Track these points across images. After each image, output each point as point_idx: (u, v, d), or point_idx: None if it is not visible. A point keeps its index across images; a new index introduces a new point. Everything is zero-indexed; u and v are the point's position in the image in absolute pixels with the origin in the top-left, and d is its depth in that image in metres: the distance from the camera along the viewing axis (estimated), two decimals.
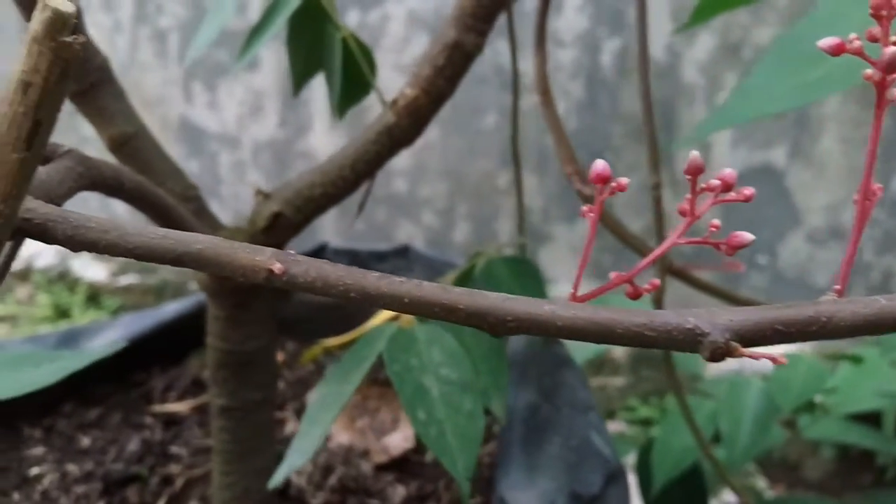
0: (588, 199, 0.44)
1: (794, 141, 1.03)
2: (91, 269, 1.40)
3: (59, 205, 0.24)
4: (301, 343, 0.67)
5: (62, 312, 1.37)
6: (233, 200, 1.27)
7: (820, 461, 1.12)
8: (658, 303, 0.44)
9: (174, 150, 1.30)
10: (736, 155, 1.05)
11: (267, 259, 0.19)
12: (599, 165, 0.19)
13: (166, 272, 1.37)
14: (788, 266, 1.08)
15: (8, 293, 1.46)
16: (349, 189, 0.43)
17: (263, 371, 0.45)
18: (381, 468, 0.53)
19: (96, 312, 1.34)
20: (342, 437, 0.56)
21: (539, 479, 0.42)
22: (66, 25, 0.17)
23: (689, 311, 0.17)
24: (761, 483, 1.09)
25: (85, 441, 0.56)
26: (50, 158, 0.27)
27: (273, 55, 1.19)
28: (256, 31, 0.44)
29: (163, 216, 0.34)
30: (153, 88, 1.26)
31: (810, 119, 1.02)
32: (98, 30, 1.27)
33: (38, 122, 0.18)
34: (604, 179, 0.19)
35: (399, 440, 0.55)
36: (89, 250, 0.20)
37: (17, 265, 1.30)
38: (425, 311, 0.18)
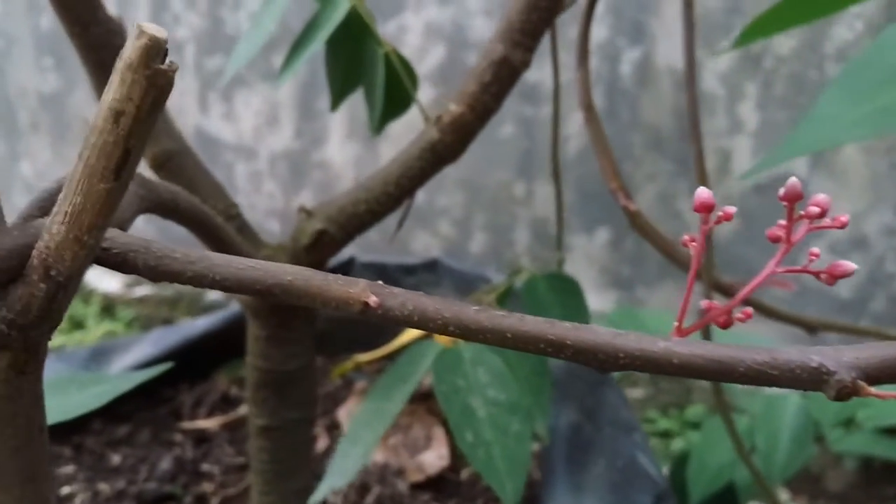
0: (632, 216, 0.43)
1: (815, 151, 1.03)
2: (105, 280, 1.40)
3: (124, 230, 0.23)
4: (328, 358, 0.67)
5: (77, 324, 1.37)
6: (249, 211, 1.26)
7: (843, 473, 1.11)
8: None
9: None
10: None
11: (361, 291, 0.18)
12: (704, 194, 0.18)
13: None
14: (810, 276, 1.07)
15: None
16: (393, 205, 0.42)
17: (303, 390, 0.45)
18: (416, 487, 0.52)
19: (111, 324, 1.34)
20: (376, 455, 0.55)
21: (586, 501, 0.41)
22: (161, 52, 0.17)
23: (812, 348, 0.16)
24: (784, 495, 1.08)
25: (115, 459, 0.55)
26: None
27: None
28: (297, 48, 0.44)
29: (212, 236, 0.34)
30: (169, 99, 1.26)
31: None
32: None
33: (128, 151, 0.18)
34: (708, 208, 0.18)
35: (434, 458, 0.54)
36: (172, 281, 0.20)
37: None
38: (529, 346, 0.17)
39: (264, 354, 0.43)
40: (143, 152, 0.18)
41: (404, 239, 1.24)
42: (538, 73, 1.09)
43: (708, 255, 0.42)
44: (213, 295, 1.34)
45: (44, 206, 0.24)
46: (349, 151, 1.21)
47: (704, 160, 0.42)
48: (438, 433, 0.56)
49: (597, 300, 1.17)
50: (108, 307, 1.37)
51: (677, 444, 1.06)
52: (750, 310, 0.20)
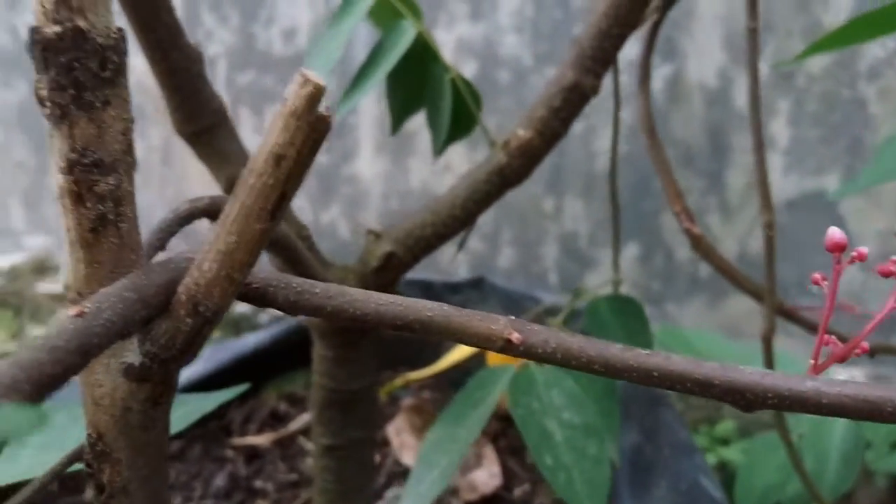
0: (696, 239, 0.43)
1: (846, 167, 1.03)
2: None
3: None
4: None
5: None
6: None
7: (874, 490, 1.10)
8: (767, 343, 0.43)
9: None
10: (788, 181, 1.05)
11: (503, 328, 0.18)
12: (836, 234, 0.19)
13: None
14: (842, 293, 1.07)
15: (50, 316, 1.47)
16: (459, 228, 0.43)
17: (367, 409, 0.45)
18: None
19: None
20: None
21: None
22: (321, 99, 0.18)
23: None
24: None
25: (169, 475, 0.56)
26: (218, 211, 0.27)
27: None
28: (363, 74, 0.44)
29: (291, 258, 0.34)
30: None
31: (863, 145, 1.01)
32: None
33: (285, 193, 0.18)
34: (840, 248, 0.19)
35: (486, 477, 0.54)
36: (312, 315, 0.20)
37: (59, 288, 1.30)
38: (676, 385, 0.17)
39: (330, 374, 0.44)
40: (295, 193, 0.19)
41: (432, 253, 1.24)
42: None
43: (770, 280, 0.42)
44: (241, 308, 1.35)
45: (163, 237, 0.24)
46: (378, 166, 1.22)
47: (770, 198, 0.42)
48: (489, 452, 0.56)
49: None
50: None
51: (709, 461, 1.06)
52: (867, 345, 0.21)
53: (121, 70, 0.18)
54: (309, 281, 0.20)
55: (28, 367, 0.15)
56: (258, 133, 1.25)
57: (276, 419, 0.61)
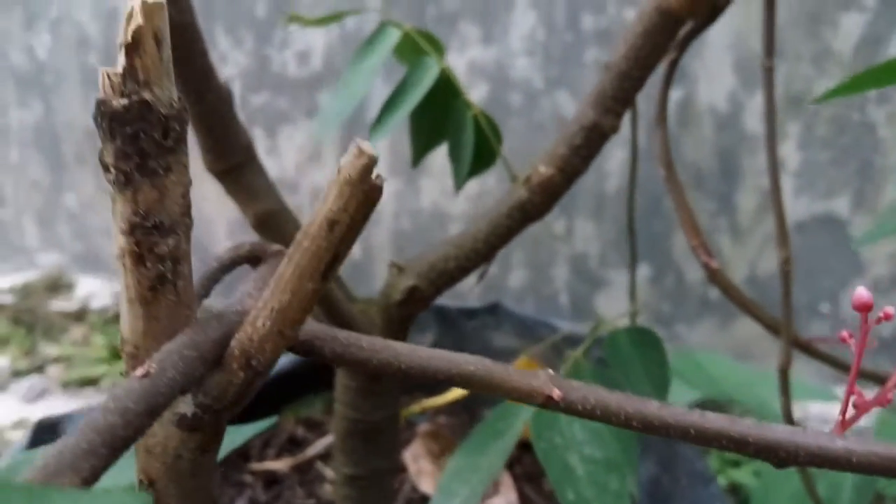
0: (713, 273, 0.44)
1: (857, 191, 1.03)
2: None
3: None
4: None
5: (117, 353, 1.38)
6: None
7: None
8: (784, 375, 0.44)
9: None
10: (798, 204, 1.05)
11: (543, 384, 0.19)
12: (863, 294, 0.19)
13: None
14: (852, 315, 1.07)
15: (63, 334, 1.49)
16: (481, 261, 0.44)
17: (389, 440, 0.46)
18: None
19: None
20: None
21: None
22: (374, 169, 0.18)
23: None
24: None
25: None
26: (261, 258, 0.28)
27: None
28: (388, 109, 0.45)
29: (324, 299, 0.35)
30: None
31: (874, 169, 1.02)
32: None
33: (337, 255, 0.19)
34: (867, 308, 0.20)
35: None
36: (358, 368, 0.21)
37: (72, 306, 1.31)
38: (712, 442, 0.18)
39: (353, 404, 0.44)
40: (347, 255, 0.19)
41: None
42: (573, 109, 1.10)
43: (787, 313, 0.43)
44: None
45: (208, 285, 0.25)
46: (390, 186, 1.23)
47: (787, 233, 0.43)
48: (505, 478, 0.56)
49: None
50: None
51: (720, 483, 1.06)
52: (892, 396, 0.21)
53: (182, 138, 0.19)
54: (354, 334, 0.21)
55: (104, 432, 0.15)
56: (271, 154, 1.26)
57: (295, 444, 0.62)
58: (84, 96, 1.39)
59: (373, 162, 0.18)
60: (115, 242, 0.20)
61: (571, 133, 0.40)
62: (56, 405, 1.37)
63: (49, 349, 1.48)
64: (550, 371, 0.20)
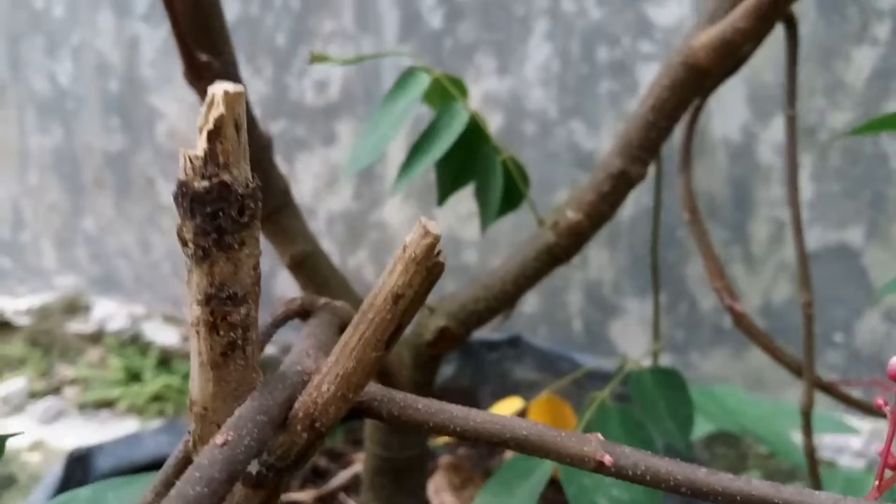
0: (738, 317, 0.45)
1: (870, 221, 1.04)
2: (162, 333, 1.43)
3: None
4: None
5: (134, 376, 1.40)
6: None
7: None
8: (807, 417, 0.45)
9: None
10: (811, 234, 1.06)
11: (594, 450, 0.20)
12: None
13: None
14: (865, 344, 1.08)
15: (79, 356, 1.50)
16: (509, 302, 0.45)
17: (417, 477, 0.47)
18: None
19: (168, 377, 1.37)
20: None
21: None
22: (438, 247, 0.20)
23: None
24: None
25: None
26: (310, 311, 0.29)
27: (350, 130, 1.24)
28: (416, 155, 0.47)
29: None
30: None
31: (887, 200, 1.03)
32: (181, 104, 1.33)
33: (400, 326, 0.20)
34: None
35: None
36: (414, 429, 0.22)
37: (88, 328, 1.32)
38: None
39: (383, 442, 0.45)
40: (409, 324, 0.21)
41: None
42: (594, 140, 1.12)
43: (809, 355, 0.44)
44: (269, 350, 1.36)
45: (263, 341, 0.27)
46: (406, 213, 1.25)
47: (809, 276, 0.43)
48: None
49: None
50: (165, 360, 1.41)
51: None
52: None
53: (255, 214, 0.20)
54: (411, 396, 0.22)
55: (194, 502, 0.16)
56: (289, 180, 1.28)
57: (318, 475, 0.63)
58: (104, 122, 1.41)
59: (437, 241, 0.19)
60: (189, 311, 0.21)
61: (599, 180, 0.41)
62: (72, 427, 1.38)
63: (65, 371, 1.49)
64: (600, 436, 0.21)
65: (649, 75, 1.07)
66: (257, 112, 1.27)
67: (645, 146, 0.40)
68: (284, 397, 0.21)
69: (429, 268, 0.19)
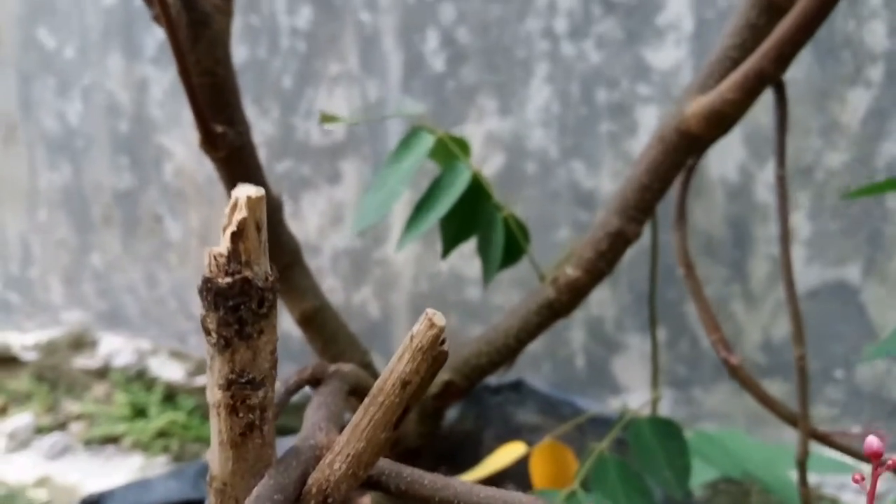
0: (733, 369, 0.46)
1: (868, 258, 1.06)
2: (168, 368, 1.44)
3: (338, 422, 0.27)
4: None
5: (139, 411, 1.41)
6: None
7: None
8: (802, 466, 0.46)
9: None
10: (810, 271, 1.07)
11: None
12: (874, 443, 0.22)
13: None
14: (865, 380, 1.09)
15: (86, 391, 1.51)
16: (511, 356, 0.46)
17: None
18: None
19: (173, 412, 1.38)
20: None
21: None
22: (442, 336, 0.21)
23: None
24: None
25: None
26: (321, 379, 0.31)
27: (354, 169, 1.26)
28: (421, 211, 0.48)
29: (359, 391, 0.38)
30: None
31: (884, 237, 1.04)
32: (188, 144, 1.36)
33: (407, 408, 0.22)
34: (878, 455, 0.22)
35: None
36: (421, 503, 0.23)
37: (94, 363, 1.34)
38: None
39: None
40: (414, 407, 0.22)
41: (459, 334, 1.28)
42: (594, 180, 1.14)
43: (804, 406, 0.45)
44: None
45: (277, 412, 0.28)
46: (410, 250, 1.27)
47: (802, 330, 0.45)
48: None
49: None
50: (171, 395, 1.42)
51: None
52: None
53: (274, 304, 0.22)
54: (417, 471, 0.23)
55: None
56: (294, 218, 1.30)
57: None
58: (112, 161, 1.44)
59: (442, 332, 0.21)
60: (210, 394, 0.23)
61: (597, 239, 0.43)
62: (78, 463, 1.39)
63: (71, 406, 1.50)
64: None
65: (647, 117, 1.09)
66: (263, 153, 1.29)
67: (640, 206, 0.42)
68: (298, 474, 0.23)
69: (434, 356, 0.21)
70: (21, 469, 1.37)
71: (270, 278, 0.21)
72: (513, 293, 1.23)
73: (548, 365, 1.18)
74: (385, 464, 0.24)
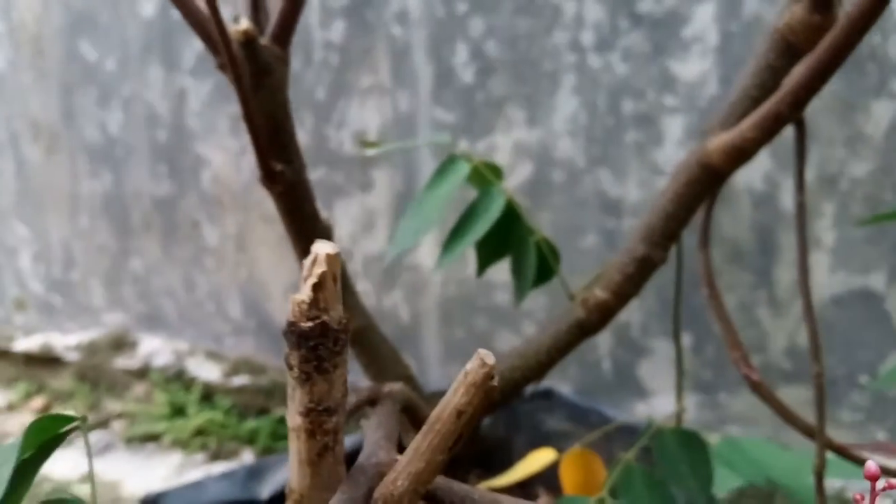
0: (754, 384, 0.49)
1: (893, 266, 1.07)
2: (205, 369, 1.49)
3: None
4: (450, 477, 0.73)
5: (178, 410, 1.46)
6: None
7: None
8: (819, 478, 0.48)
9: (291, 261, 1.40)
10: (834, 279, 1.09)
11: None
12: (872, 467, 0.25)
13: (276, 374, 1.45)
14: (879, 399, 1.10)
15: (126, 391, 1.57)
16: (543, 371, 0.49)
17: None
18: None
19: (210, 412, 1.42)
20: None
21: None
22: (493, 373, 0.24)
23: None
24: None
25: None
26: (376, 400, 0.34)
27: (385, 178, 1.29)
28: (457, 234, 0.52)
29: (413, 413, 0.41)
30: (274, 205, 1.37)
31: None
32: (225, 153, 1.40)
33: (461, 435, 0.25)
34: (875, 477, 0.25)
35: None
36: None
37: (135, 364, 1.39)
38: None
39: None
40: (468, 435, 0.25)
41: (487, 338, 1.31)
42: (620, 188, 1.16)
43: (821, 420, 0.48)
44: None
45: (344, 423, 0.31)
46: (439, 255, 1.30)
47: (820, 347, 0.47)
48: None
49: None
50: (208, 395, 1.47)
51: None
52: None
53: (346, 343, 0.25)
54: (466, 487, 0.27)
55: None
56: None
57: None
58: (152, 169, 1.49)
59: (493, 370, 0.24)
60: (290, 419, 0.26)
61: (625, 263, 0.46)
62: (120, 460, 1.44)
63: (113, 405, 1.56)
64: None
65: (673, 126, 1.11)
66: None
67: (665, 234, 0.45)
68: (366, 489, 0.26)
69: (486, 390, 0.24)
70: (66, 466, 1.42)
71: (343, 321, 0.25)
72: (540, 299, 1.26)
73: (575, 369, 1.21)
74: (439, 480, 0.27)
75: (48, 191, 1.64)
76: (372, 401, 0.33)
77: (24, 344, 1.69)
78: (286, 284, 1.42)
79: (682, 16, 1.07)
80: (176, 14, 1.40)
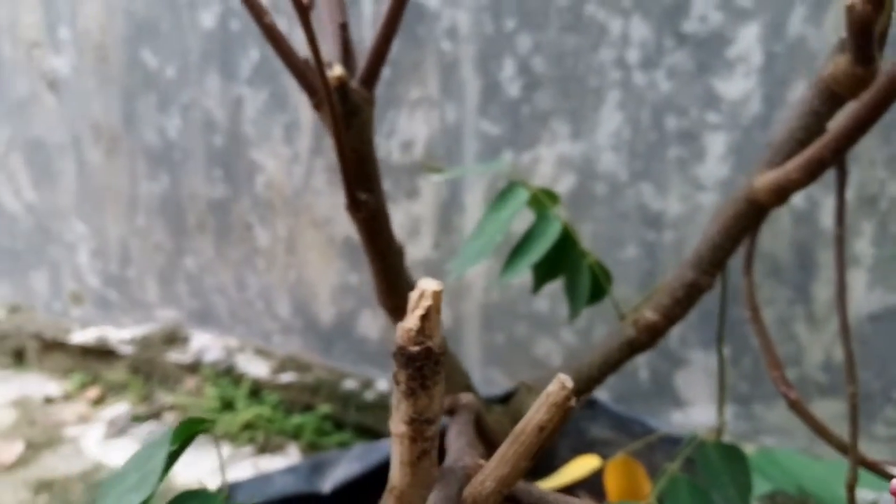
0: (793, 403, 0.53)
1: None
2: (253, 365, 1.55)
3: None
4: None
5: (227, 404, 1.52)
6: None
7: None
8: (851, 490, 0.52)
9: (337, 264, 1.45)
10: (872, 296, 1.11)
11: None
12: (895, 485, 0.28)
13: (321, 372, 1.51)
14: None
15: (178, 384, 1.64)
16: (593, 386, 0.53)
17: None
18: None
19: (259, 407, 1.49)
20: None
21: None
22: (571, 396, 0.29)
23: None
24: None
25: None
26: (454, 410, 0.38)
27: (431, 186, 1.34)
28: (517, 255, 0.56)
29: (478, 426, 0.45)
30: (323, 210, 1.43)
31: None
32: (278, 159, 1.46)
33: (542, 446, 0.29)
34: None
35: None
36: None
37: (186, 358, 1.45)
38: None
39: None
40: (548, 446, 0.30)
41: (527, 344, 1.35)
42: (661, 202, 1.20)
43: (854, 436, 0.51)
44: (350, 384, 1.48)
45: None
46: (481, 263, 1.34)
47: (855, 367, 0.51)
48: None
49: (714, 415, 1.24)
50: (256, 390, 1.53)
51: None
52: None
53: (444, 364, 0.30)
54: (542, 489, 0.31)
55: None
56: None
57: None
58: (207, 173, 1.55)
59: (571, 392, 0.28)
60: (394, 427, 0.31)
61: (674, 288, 0.50)
62: None
63: (165, 397, 1.63)
64: None
65: (716, 143, 1.14)
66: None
67: (713, 262, 0.49)
68: (457, 488, 0.31)
69: (564, 409, 0.28)
70: (120, 454, 1.49)
71: (442, 346, 0.29)
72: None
73: (612, 378, 1.24)
74: (520, 484, 0.31)
75: (107, 191, 1.72)
76: (450, 411, 0.38)
77: (81, 336, 1.77)
78: (333, 286, 1.47)
79: (727, 37, 1.10)
80: (234, 25, 1.46)
